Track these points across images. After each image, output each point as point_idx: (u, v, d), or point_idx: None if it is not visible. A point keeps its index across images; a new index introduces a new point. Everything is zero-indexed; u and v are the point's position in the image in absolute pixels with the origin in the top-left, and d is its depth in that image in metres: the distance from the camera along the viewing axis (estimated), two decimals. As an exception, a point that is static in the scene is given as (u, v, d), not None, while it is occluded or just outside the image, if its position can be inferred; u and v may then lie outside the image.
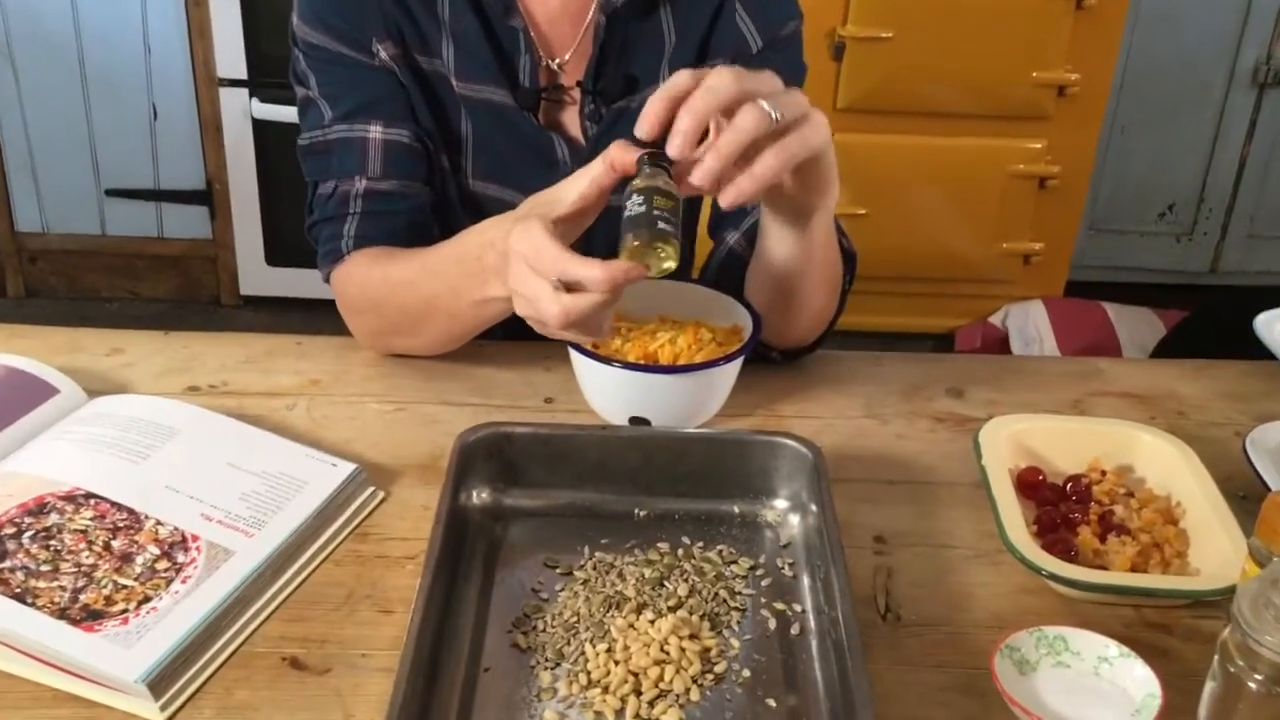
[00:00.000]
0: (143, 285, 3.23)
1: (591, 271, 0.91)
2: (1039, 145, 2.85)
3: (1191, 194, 3.20)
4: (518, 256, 0.96)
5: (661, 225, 0.90)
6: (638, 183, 0.94)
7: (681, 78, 0.93)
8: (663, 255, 0.91)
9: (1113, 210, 3.20)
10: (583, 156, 1.25)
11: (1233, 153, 3.15)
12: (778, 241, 1.09)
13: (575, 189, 0.98)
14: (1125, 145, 3.13)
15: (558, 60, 1.25)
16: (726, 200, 0.94)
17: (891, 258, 2.80)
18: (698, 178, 0.92)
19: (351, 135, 1.21)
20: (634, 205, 0.92)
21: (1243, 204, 3.21)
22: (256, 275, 3.14)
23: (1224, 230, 3.24)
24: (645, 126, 0.93)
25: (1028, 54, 2.76)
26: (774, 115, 0.92)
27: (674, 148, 0.92)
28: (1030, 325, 2.91)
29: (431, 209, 1.25)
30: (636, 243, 0.91)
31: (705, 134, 0.95)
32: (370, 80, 1.21)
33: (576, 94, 1.25)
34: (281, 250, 3.07)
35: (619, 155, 0.96)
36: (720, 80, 0.92)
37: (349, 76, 1.21)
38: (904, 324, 2.99)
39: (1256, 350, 2.51)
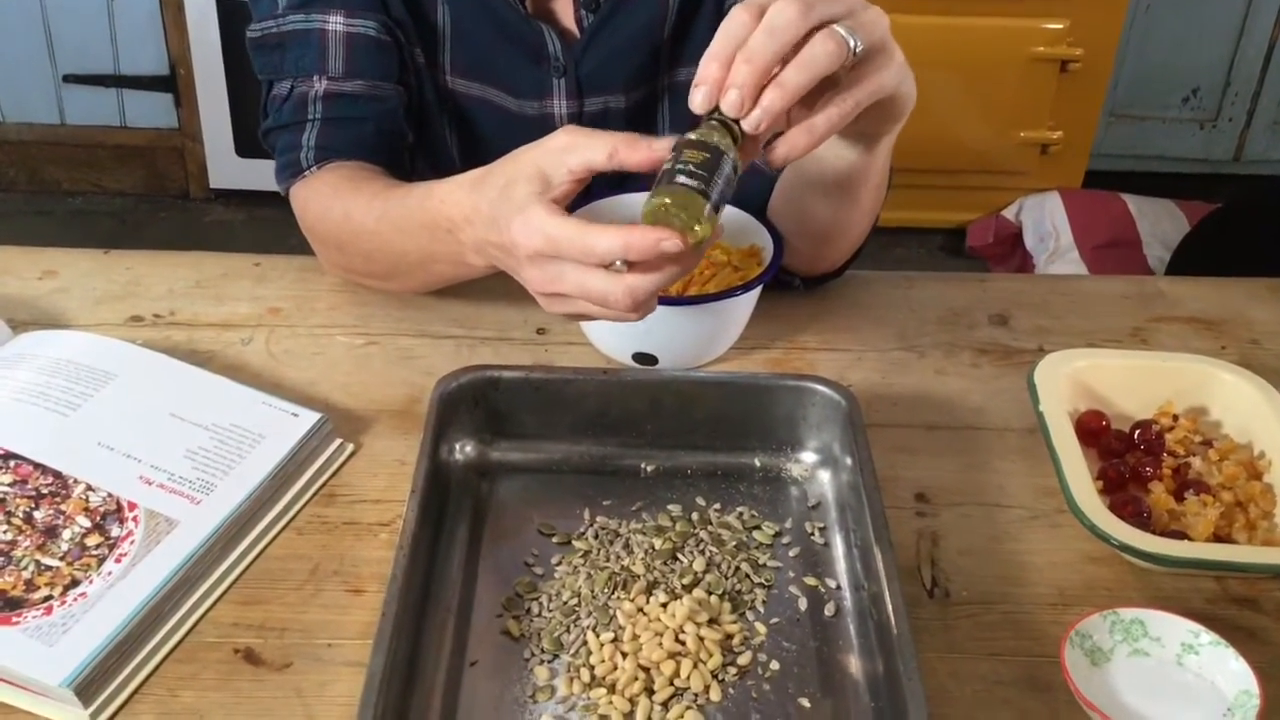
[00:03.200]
0: (106, 178, 3.04)
1: (627, 240, 0.73)
2: (1061, 26, 2.65)
3: (1217, 78, 3.02)
4: (534, 255, 0.78)
5: (683, 180, 0.72)
6: (687, 135, 0.75)
7: (736, 21, 0.74)
8: (687, 216, 0.72)
9: (1134, 96, 3.02)
10: (576, 52, 1.09)
11: (1262, 34, 2.96)
12: (831, 163, 0.93)
13: (565, 166, 0.78)
14: (1149, 25, 2.93)
15: (547, -64, 1.08)
16: (778, 157, 0.77)
17: (900, 148, 2.61)
18: (755, 119, 0.74)
19: (309, 27, 1.04)
20: (666, 163, 0.74)
21: (1270, 89, 3.03)
22: (227, 167, 2.95)
23: (1249, 117, 3.07)
24: (701, 97, 0.74)
25: (1051, -76, 2.56)
26: (851, 44, 0.74)
27: (729, 104, 0.73)
28: (1046, 219, 2.75)
29: (406, 111, 1.09)
30: (654, 201, 0.73)
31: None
32: (331, -41, 1.04)
33: (570, -24, 1.09)
34: (252, 140, 2.88)
35: (626, 152, 0.76)
36: (783, 15, 0.73)
37: (305, -46, 1.05)
38: (912, 218, 2.83)
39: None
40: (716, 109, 0.75)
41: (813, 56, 0.74)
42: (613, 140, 0.77)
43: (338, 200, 1.00)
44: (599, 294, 0.75)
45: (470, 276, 0.96)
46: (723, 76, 0.74)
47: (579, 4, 1.09)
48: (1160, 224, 2.70)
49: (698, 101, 0.75)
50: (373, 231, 0.97)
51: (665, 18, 1.10)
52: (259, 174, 2.91)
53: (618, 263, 0.74)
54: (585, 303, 0.77)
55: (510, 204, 0.79)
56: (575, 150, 0.77)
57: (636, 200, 1.05)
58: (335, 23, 1.04)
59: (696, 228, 0.73)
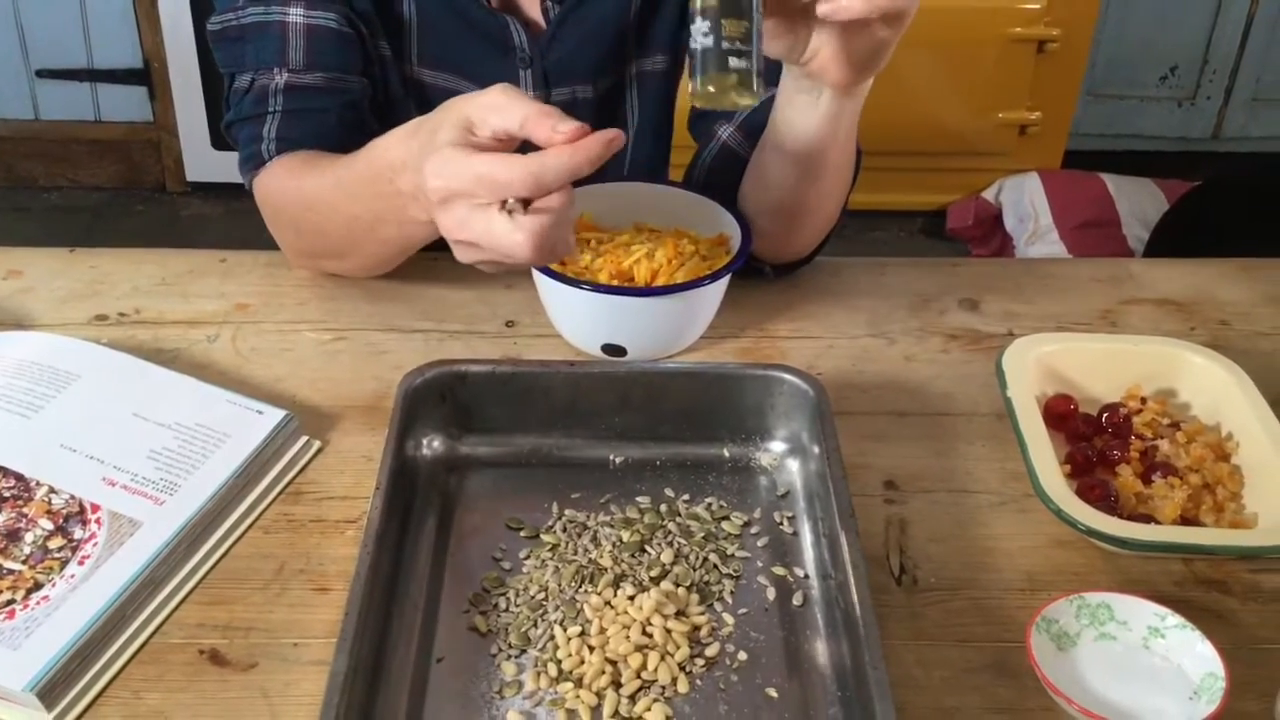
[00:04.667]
0: (82, 172, 3.02)
1: (559, 159, 0.74)
2: (1038, 5, 2.65)
3: (1195, 55, 3.02)
4: (445, 197, 0.78)
5: (735, 62, 0.74)
6: None
7: None
8: (737, 95, 0.75)
9: (1112, 74, 3.02)
10: (542, 43, 1.08)
11: (1239, 10, 2.96)
12: (801, 116, 0.93)
13: (488, 124, 0.78)
14: (1126, 4, 2.92)
15: (511, -74, 1.07)
16: (824, 10, 0.79)
17: (878, 130, 2.58)
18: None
19: (268, 19, 1.03)
20: (699, 35, 0.75)
21: (1248, 66, 3.02)
22: (202, 160, 2.94)
23: (1227, 94, 3.07)
24: None
25: (1026, -96, 2.55)
26: None
27: None
28: (1025, 200, 2.75)
29: (370, 103, 1.08)
30: (709, 88, 0.75)
31: None
32: (291, -49, 1.03)
33: (535, -33, 1.08)
34: (227, 133, 2.87)
35: (532, 126, 0.76)
36: None
37: (265, -54, 1.03)
38: (892, 201, 2.83)
39: (1265, 227, 2.36)
40: None
41: None
42: (527, 110, 0.76)
43: (294, 180, 1.00)
44: (503, 240, 0.76)
45: (417, 238, 0.94)
46: None
47: (544, -6, 1.08)
48: (1139, 203, 2.70)
49: None
50: (327, 202, 0.97)
51: (630, 6, 1.09)
52: (235, 167, 2.89)
53: (510, 201, 0.76)
54: (494, 250, 0.78)
55: (430, 146, 0.79)
56: (499, 111, 0.78)
57: (605, 190, 1.05)
58: (295, 15, 1.03)
59: (746, 101, 0.76)
